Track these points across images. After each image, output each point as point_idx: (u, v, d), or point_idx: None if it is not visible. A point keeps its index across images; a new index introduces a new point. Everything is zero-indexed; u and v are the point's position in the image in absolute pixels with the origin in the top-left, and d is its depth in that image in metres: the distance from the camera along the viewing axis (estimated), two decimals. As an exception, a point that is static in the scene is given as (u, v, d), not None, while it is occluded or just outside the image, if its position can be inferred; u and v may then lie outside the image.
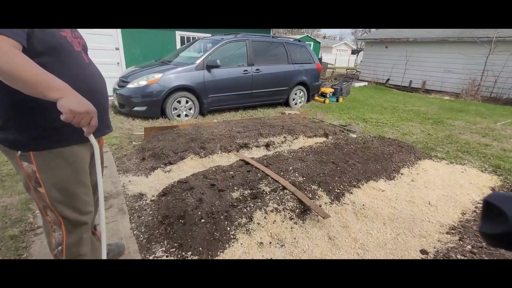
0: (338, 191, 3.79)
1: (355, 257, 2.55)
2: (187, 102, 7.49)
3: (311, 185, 3.78)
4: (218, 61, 7.56)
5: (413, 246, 2.71)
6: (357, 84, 16.89)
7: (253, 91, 9.10)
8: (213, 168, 4.19)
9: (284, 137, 6.18)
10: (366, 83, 17.76)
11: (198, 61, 7.57)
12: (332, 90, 11.56)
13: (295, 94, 10.40)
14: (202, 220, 2.81)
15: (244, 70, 8.42)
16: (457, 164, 5.34)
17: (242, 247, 2.58)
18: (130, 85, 6.93)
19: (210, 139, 5.50)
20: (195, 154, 4.98)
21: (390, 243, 2.74)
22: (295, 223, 3.12)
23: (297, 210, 3.28)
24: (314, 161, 4.64)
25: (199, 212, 2.91)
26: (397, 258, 2.55)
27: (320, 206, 3.44)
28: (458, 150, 6.06)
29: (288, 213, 3.19)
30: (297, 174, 4.07)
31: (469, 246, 2.76)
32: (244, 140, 5.67)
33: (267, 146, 5.87)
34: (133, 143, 5.59)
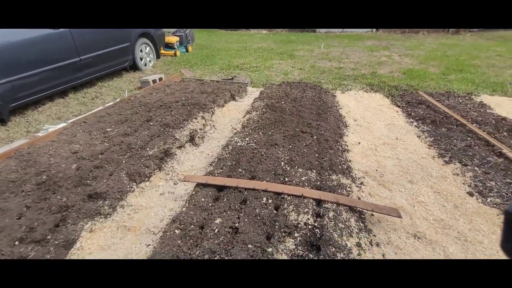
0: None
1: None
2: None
3: (309, 172, 2.87)
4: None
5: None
6: (183, 27, 15.04)
7: (81, 58, 5.62)
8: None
9: (202, 117, 4.36)
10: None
11: None
12: (177, 38, 9.47)
13: (141, 51, 7.58)
14: None
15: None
16: (347, 91, 6.07)
17: None
18: None
19: (96, 168, 2.87)
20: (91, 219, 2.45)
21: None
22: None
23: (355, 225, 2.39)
24: (282, 138, 3.58)
25: None
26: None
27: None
28: (336, 79, 6.91)
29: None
30: (299, 171, 2.95)
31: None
32: (152, 149, 3.43)
33: (192, 139, 3.93)
34: None
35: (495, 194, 2.85)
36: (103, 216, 2.52)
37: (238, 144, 3.46)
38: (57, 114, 4.97)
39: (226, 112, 5.00)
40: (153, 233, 2.46)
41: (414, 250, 2.29)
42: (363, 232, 2.33)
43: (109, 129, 3.89)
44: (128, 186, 2.85)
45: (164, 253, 2.04)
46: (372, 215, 2.61)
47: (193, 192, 2.68)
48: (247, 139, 3.58)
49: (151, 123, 4.01)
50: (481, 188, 2.95)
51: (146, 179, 3.06)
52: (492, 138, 3.81)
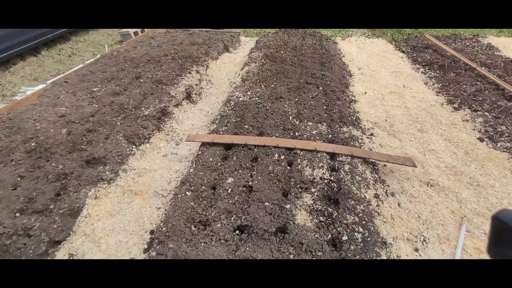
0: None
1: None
2: None
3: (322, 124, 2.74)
4: None
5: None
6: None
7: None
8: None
9: (196, 71, 3.99)
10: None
11: None
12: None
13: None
14: None
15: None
16: (347, 37, 5.64)
17: None
18: None
19: (89, 131, 2.63)
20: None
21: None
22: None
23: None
24: (286, 91, 3.33)
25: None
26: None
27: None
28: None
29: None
30: (309, 124, 2.79)
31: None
32: (148, 109, 3.16)
33: (188, 96, 3.63)
34: None
35: (505, 139, 2.81)
36: (106, 182, 2.38)
37: (240, 99, 3.21)
38: (32, 75, 4.46)
39: (221, 65, 4.60)
40: (162, 196, 2.37)
41: (428, 197, 2.30)
42: (378, 183, 2.29)
43: (95, 89, 3.52)
44: (127, 149, 2.66)
45: (178, 215, 1.96)
46: (385, 165, 2.56)
47: (199, 152, 2.52)
48: (249, 93, 3.32)
49: (141, 80, 3.64)
50: (491, 133, 2.91)
51: (146, 141, 2.86)
52: (502, 81, 3.67)
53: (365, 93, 3.80)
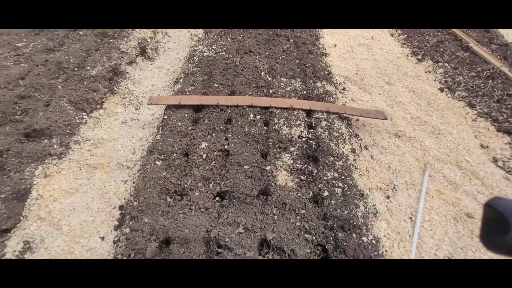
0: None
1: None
2: None
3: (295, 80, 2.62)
4: None
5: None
6: None
7: None
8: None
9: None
10: None
11: None
12: None
13: None
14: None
15: None
16: None
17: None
18: None
19: (22, 98, 2.17)
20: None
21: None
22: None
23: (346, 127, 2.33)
24: (255, 44, 3.05)
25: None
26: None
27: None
28: None
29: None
30: (282, 80, 2.62)
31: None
32: (95, 68, 2.68)
33: (143, 52, 3.13)
34: None
35: (462, 88, 3.00)
36: (55, 157, 2.04)
37: (205, 54, 2.86)
38: None
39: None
40: (128, 168, 2.12)
41: (396, 148, 2.41)
42: (353, 138, 2.32)
43: (20, 44, 2.83)
44: (77, 118, 2.27)
45: (150, 187, 1.78)
46: (357, 120, 2.59)
47: (165, 117, 2.25)
48: (214, 47, 2.97)
49: (81, 32, 3.00)
50: (450, 84, 3.07)
51: (99, 106, 2.46)
52: (460, 31, 3.80)
53: (335, 45, 3.67)
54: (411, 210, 1.98)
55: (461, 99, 2.90)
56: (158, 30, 3.52)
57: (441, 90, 3.03)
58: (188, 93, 2.43)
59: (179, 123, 2.17)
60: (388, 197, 2.04)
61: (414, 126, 2.63)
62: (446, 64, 3.34)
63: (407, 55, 3.60)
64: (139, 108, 2.61)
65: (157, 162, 1.92)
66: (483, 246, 0.65)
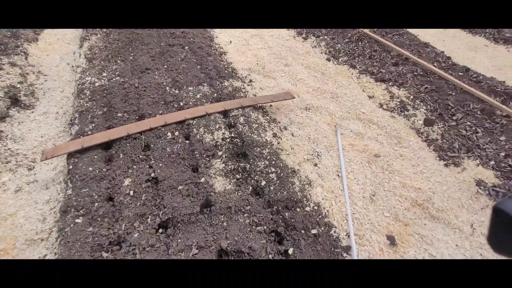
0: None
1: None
2: None
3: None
4: None
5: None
6: None
7: None
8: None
9: (10, 64, 2.84)
10: None
11: None
12: None
13: None
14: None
15: None
16: None
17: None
18: None
19: None
20: None
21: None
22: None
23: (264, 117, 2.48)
24: (150, 60, 2.91)
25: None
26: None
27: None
28: None
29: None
30: (190, 90, 2.57)
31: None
32: None
33: (16, 101, 2.60)
34: None
35: (342, 54, 3.53)
36: None
37: (97, 84, 2.58)
38: None
39: (47, 47, 3.45)
40: (42, 240, 1.78)
41: (310, 120, 2.70)
42: (272, 123, 2.48)
43: None
44: None
45: (77, 251, 1.54)
46: (271, 106, 2.78)
47: (70, 167, 1.95)
48: (104, 74, 2.70)
49: None
50: (333, 52, 3.57)
51: (-27, 183, 1.96)
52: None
53: (231, 42, 3.79)
54: (336, 168, 2.27)
55: (344, 63, 3.42)
56: (28, 71, 2.97)
57: (328, 59, 3.50)
58: (89, 132, 2.16)
59: (90, 168, 1.91)
60: (316, 165, 2.28)
61: (318, 96, 2.99)
62: (325, 36, 3.86)
63: (294, 36, 4.00)
64: (33, 168, 2.19)
65: (77, 220, 1.67)
66: (489, 248, 0.63)
